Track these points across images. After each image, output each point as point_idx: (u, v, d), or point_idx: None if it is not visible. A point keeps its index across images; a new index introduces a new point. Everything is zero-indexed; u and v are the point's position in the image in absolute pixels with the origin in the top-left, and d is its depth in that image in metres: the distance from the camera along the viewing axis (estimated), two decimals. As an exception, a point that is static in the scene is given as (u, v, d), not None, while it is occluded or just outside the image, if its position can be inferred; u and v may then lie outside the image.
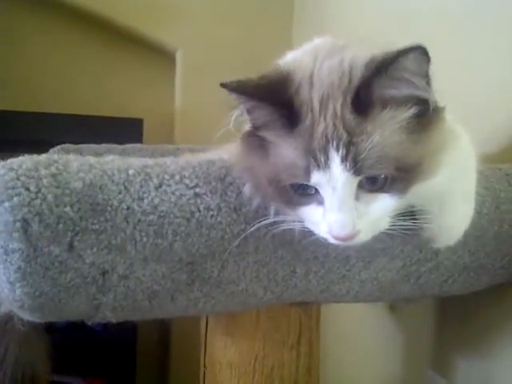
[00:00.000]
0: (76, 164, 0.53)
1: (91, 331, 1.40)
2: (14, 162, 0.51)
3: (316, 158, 0.52)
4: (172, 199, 0.55)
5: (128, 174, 0.54)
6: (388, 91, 0.53)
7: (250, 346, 0.82)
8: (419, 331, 1.05)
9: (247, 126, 0.58)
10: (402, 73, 0.52)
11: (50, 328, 0.85)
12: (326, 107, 0.53)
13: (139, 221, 0.54)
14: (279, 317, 0.82)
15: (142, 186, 0.54)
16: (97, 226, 0.53)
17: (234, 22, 1.73)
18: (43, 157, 0.53)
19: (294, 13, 1.79)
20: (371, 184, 0.53)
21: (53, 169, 0.52)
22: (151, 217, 0.54)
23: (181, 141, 1.63)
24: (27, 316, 0.60)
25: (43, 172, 0.51)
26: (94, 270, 0.56)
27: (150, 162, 0.56)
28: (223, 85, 0.52)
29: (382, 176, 0.53)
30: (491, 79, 0.87)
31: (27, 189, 0.50)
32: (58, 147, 1.00)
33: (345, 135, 0.52)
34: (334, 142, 0.51)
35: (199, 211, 0.56)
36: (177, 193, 0.55)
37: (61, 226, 0.51)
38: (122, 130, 1.46)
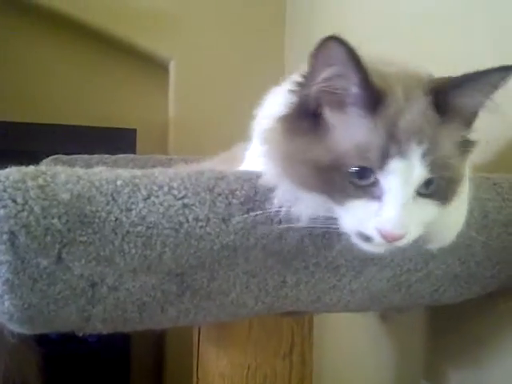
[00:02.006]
0: (64, 175, 0.52)
1: (85, 343, 1.40)
2: (1, 173, 0.51)
3: (400, 144, 0.51)
4: (160, 210, 0.55)
5: (116, 185, 0.54)
6: (465, 101, 0.55)
7: (242, 357, 0.82)
8: (411, 340, 1.05)
9: (285, 110, 0.57)
10: (484, 87, 0.55)
11: (44, 340, 0.84)
12: (411, 99, 0.54)
13: (127, 232, 0.54)
14: (271, 327, 0.82)
15: (130, 197, 0.54)
16: (85, 238, 0.53)
17: (227, 32, 1.74)
18: (30, 168, 0.52)
19: (286, 24, 1.81)
20: (425, 188, 0.54)
21: (40, 180, 0.51)
22: (139, 228, 0.54)
23: (175, 151, 1.63)
24: (17, 328, 0.60)
25: (30, 184, 0.51)
26: (83, 281, 0.56)
27: (138, 172, 0.56)
28: (334, 37, 0.50)
29: (435, 182, 0.54)
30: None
31: (14, 200, 0.50)
32: (50, 158, 1.00)
33: (429, 131, 0.53)
34: (419, 135, 0.52)
35: (188, 222, 0.56)
36: (165, 204, 0.55)
37: (48, 237, 0.51)
38: (116, 141, 1.46)
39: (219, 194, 0.57)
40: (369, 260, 0.66)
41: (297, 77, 0.57)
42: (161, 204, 0.55)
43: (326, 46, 0.51)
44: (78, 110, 1.62)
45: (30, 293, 0.54)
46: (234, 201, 0.58)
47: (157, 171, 0.57)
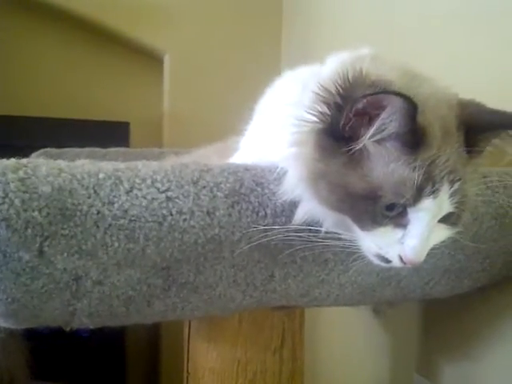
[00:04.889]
0: (45, 168, 0.52)
1: (79, 337, 1.39)
2: (-19, 166, 0.50)
3: (434, 185, 0.52)
4: (143, 203, 0.54)
5: (98, 178, 0.53)
6: (491, 142, 0.58)
7: (232, 351, 0.81)
8: (404, 334, 1.05)
9: (320, 127, 0.54)
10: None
11: (37, 334, 0.84)
12: (448, 139, 0.54)
13: (110, 225, 0.53)
14: (262, 321, 0.82)
15: (112, 190, 0.53)
16: (66, 231, 0.52)
17: (222, 26, 1.73)
18: (11, 161, 0.52)
19: (283, 17, 1.79)
20: (446, 217, 0.56)
21: (21, 173, 0.50)
22: (122, 221, 0.53)
23: (169, 145, 1.62)
24: (2, 323, 0.59)
25: (10, 176, 0.50)
26: (67, 275, 0.55)
27: (120, 165, 0.55)
28: (392, 92, 0.49)
29: (454, 213, 0.56)
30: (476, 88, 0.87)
31: (-6, 193, 0.49)
32: (40, 151, 1.00)
33: (460, 172, 0.54)
34: (452, 175, 0.53)
35: (171, 215, 0.55)
36: (148, 197, 0.54)
37: (29, 231, 0.51)
38: (109, 134, 1.45)
39: (204, 187, 0.57)
40: (357, 254, 0.65)
41: (331, 85, 0.53)
42: (144, 197, 0.54)
43: (387, 100, 0.49)
44: (70, 103, 1.62)
45: (13, 287, 0.54)
46: (219, 194, 0.57)
47: (140, 164, 0.56)
